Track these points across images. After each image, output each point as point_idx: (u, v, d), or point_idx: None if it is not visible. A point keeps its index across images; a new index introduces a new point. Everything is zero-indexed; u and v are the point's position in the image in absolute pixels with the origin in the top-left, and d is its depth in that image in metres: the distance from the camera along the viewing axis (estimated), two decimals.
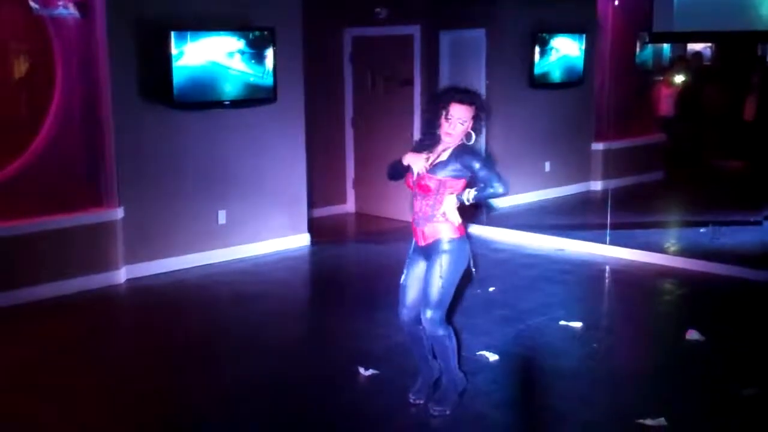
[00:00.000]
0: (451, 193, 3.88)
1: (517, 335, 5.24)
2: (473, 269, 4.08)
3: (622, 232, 7.47)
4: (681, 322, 5.41)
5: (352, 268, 7.41)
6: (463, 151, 3.87)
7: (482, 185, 3.87)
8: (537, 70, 8.62)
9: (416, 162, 3.91)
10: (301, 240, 7.65)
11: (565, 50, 8.85)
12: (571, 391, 4.40)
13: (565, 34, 8.81)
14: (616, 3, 9.06)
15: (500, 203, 8.19)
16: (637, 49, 9.43)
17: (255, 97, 6.89)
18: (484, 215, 8.15)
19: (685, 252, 7.20)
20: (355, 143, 9.03)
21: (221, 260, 7.03)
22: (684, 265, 6.76)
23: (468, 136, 3.89)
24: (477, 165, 3.83)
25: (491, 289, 6.19)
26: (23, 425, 4.10)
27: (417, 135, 8.32)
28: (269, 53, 6.84)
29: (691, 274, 6.60)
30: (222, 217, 7.04)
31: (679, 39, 8.31)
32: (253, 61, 6.76)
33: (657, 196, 9.25)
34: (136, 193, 6.49)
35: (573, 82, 9.00)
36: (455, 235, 3.93)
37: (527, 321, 5.50)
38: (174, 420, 4.16)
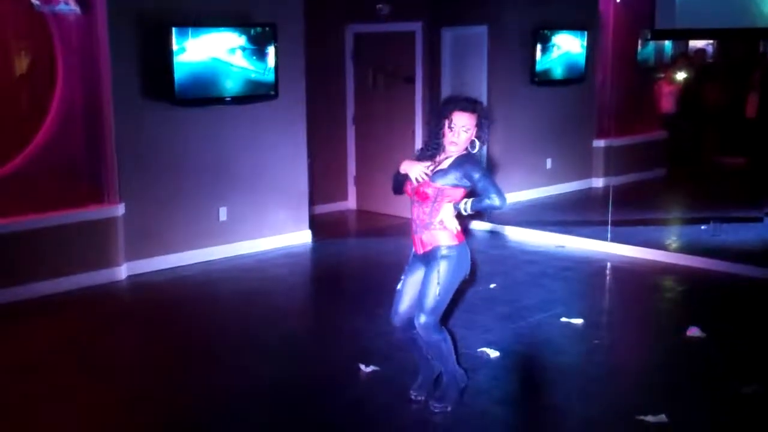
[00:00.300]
0: (449, 202, 3.89)
1: (518, 332, 5.24)
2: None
3: (624, 229, 7.46)
4: (682, 319, 5.41)
5: (353, 265, 7.40)
6: (465, 160, 3.88)
7: (480, 196, 3.88)
8: (539, 67, 8.61)
9: (413, 169, 3.91)
10: (303, 237, 7.64)
11: (567, 47, 8.84)
12: (571, 388, 4.41)
13: (567, 31, 8.80)
14: (618, 0, 9.05)
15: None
16: (639, 46, 9.42)
17: (256, 94, 6.89)
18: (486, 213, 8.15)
19: (686, 249, 7.20)
20: (356, 140, 9.03)
21: (222, 257, 7.03)
22: (685, 262, 6.76)
23: (472, 144, 3.90)
24: (477, 175, 3.84)
25: (492, 285, 6.19)
26: (23, 422, 4.11)
27: (418, 132, 8.34)
28: (270, 50, 6.83)
29: (692, 271, 6.59)
30: (223, 213, 7.04)
31: (681, 36, 8.31)
32: (254, 58, 6.75)
33: (658, 193, 9.25)
34: (137, 189, 6.48)
35: (575, 79, 8.99)
36: (454, 242, 3.93)
37: (528, 318, 5.50)
38: (174, 416, 4.16)
